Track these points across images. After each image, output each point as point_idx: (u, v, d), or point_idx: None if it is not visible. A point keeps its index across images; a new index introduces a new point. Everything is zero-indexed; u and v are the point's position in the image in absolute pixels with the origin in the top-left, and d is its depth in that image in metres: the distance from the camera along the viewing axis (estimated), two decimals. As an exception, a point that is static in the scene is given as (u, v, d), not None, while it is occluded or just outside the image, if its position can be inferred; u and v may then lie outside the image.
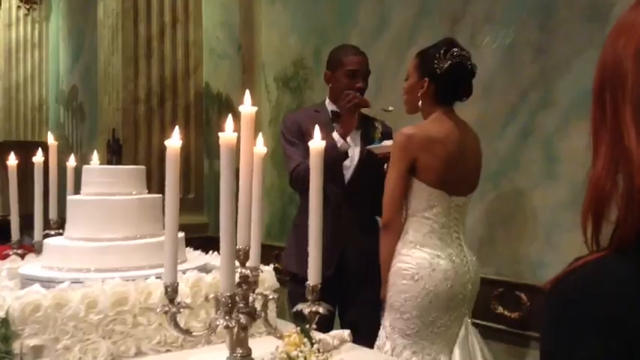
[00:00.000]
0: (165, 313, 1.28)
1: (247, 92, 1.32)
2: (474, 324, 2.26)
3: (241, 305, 1.32)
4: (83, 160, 2.38)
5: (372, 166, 2.50)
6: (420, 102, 2.24)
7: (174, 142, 1.25)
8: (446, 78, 2.17)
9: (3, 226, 4.03)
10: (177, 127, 1.28)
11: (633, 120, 0.65)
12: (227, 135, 1.22)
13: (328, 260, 2.42)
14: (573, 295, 0.65)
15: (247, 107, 1.29)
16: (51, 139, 2.33)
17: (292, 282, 2.62)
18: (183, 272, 1.71)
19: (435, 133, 2.18)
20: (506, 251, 2.67)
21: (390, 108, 2.56)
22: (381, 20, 3.27)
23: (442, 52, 2.16)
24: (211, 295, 1.32)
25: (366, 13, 3.37)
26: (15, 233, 2.28)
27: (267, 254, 3.41)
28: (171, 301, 1.28)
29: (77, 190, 2.02)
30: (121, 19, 4.14)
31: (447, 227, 2.18)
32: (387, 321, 2.22)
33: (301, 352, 1.35)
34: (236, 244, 1.30)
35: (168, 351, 1.67)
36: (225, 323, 1.24)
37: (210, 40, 4.52)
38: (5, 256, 2.15)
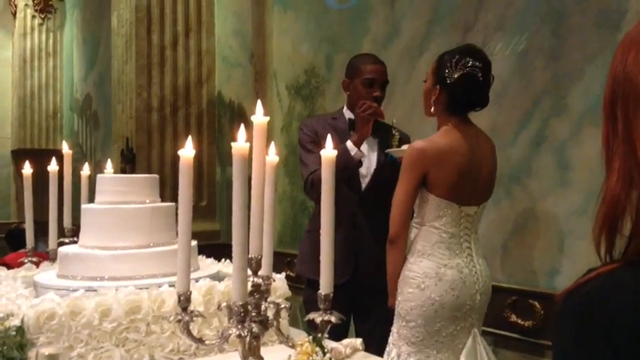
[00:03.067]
0: (179, 321, 1.28)
1: (259, 102, 1.32)
2: (487, 332, 2.24)
3: (254, 314, 1.32)
4: (97, 167, 2.40)
5: (393, 170, 2.46)
6: (433, 108, 2.21)
7: (187, 151, 1.26)
8: (455, 88, 2.12)
9: (18, 233, 4.08)
10: (190, 137, 1.28)
11: None
12: (239, 145, 1.22)
13: (342, 268, 2.44)
14: (586, 306, 0.65)
15: (259, 117, 1.30)
16: (66, 149, 2.35)
17: (308, 289, 2.62)
18: (196, 280, 1.72)
19: (446, 147, 2.13)
20: (519, 259, 2.66)
21: (394, 120, 2.59)
22: (393, 28, 3.28)
23: (454, 61, 2.11)
24: (224, 304, 1.32)
25: (378, 21, 3.38)
26: (30, 241, 2.30)
27: (279, 262, 3.39)
28: (184, 309, 1.28)
29: (91, 198, 2.04)
30: (135, 28, 4.18)
31: (456, 237, 2.15)
32: (394, 328, 2.21)
33: (313, 360, 1.35)
34: (248, 253, 1.31)
35: (181, 359, 1.67)
36: (237, 332, 1.25)
37: (222, 49, 4.54)
38: (20, 264, 2.17)
